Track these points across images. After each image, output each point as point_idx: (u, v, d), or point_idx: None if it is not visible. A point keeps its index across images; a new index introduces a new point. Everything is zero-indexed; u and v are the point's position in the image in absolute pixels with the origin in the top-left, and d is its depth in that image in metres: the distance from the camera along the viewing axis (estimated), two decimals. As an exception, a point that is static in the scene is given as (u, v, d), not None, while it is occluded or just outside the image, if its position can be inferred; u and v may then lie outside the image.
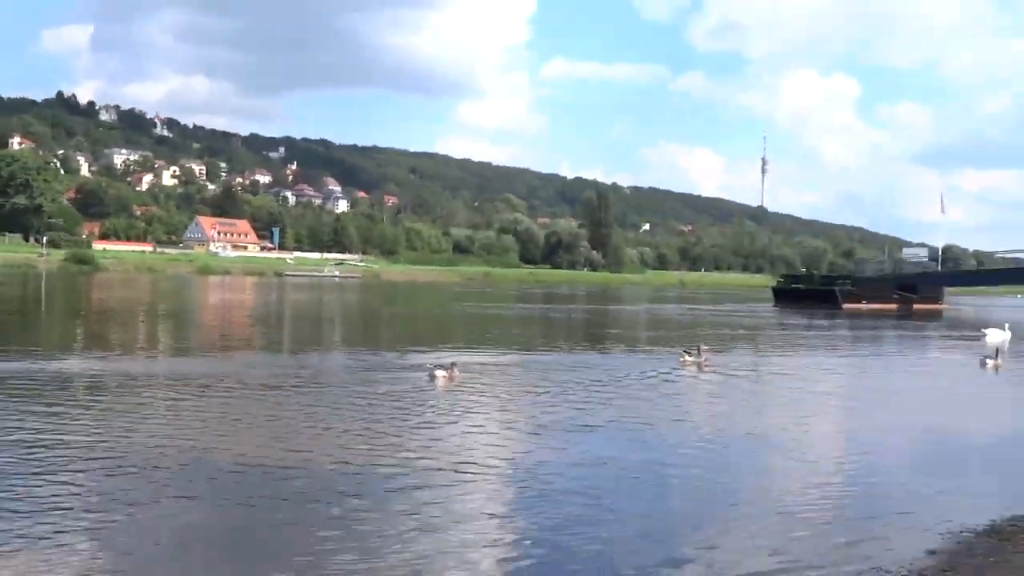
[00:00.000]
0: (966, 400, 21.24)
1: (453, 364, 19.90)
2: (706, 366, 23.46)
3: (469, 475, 11.06)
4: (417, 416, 15.19)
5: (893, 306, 70.85)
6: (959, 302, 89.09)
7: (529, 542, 8.60)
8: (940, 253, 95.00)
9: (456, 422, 14.84)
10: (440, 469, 11.27)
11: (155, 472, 10.48)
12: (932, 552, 8.34)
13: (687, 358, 23.97)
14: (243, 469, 10.98)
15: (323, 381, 19.55)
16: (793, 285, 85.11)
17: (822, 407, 19.34)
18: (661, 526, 9.30)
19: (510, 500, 10.26)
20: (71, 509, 8.88)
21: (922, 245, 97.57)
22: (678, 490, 10.95)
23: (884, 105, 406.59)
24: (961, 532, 9.00)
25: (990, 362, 26.31)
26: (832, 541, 8.84)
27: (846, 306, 68.53)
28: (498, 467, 11.82)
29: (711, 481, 11.53)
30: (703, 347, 24.97)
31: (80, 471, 10.37)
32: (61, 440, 12.02)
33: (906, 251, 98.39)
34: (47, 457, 10.97)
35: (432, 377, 19.18)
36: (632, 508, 9.92)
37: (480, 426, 14.70)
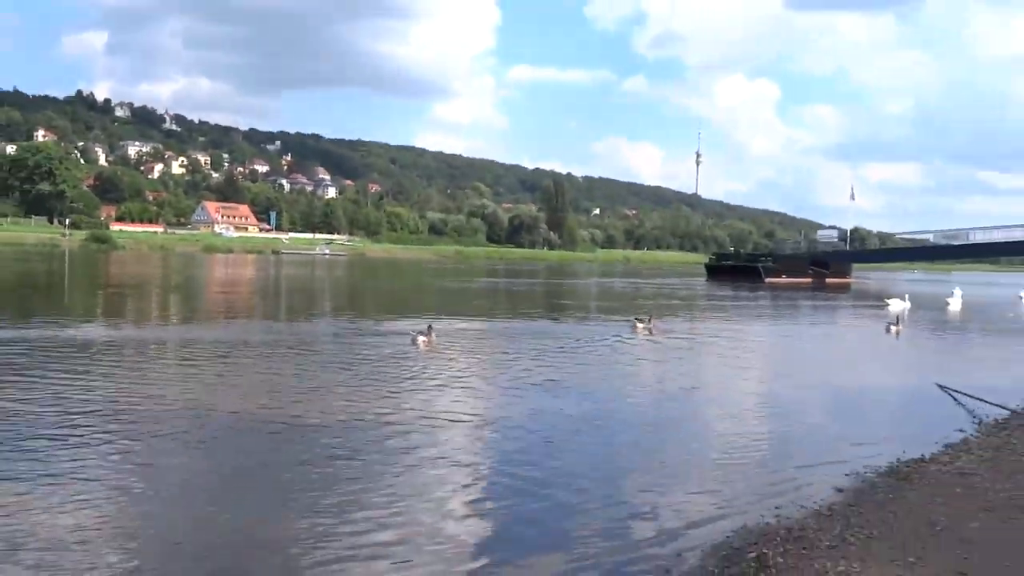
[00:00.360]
0: (872, 360, 21.54)
1: (430, 327, 19.92)
2: (655, 331, 23.73)
3: (452, 424, 11.14)
4: (404, 374, 15.21)
5: (808, 280, 71.49)
6: (865, 276, 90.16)
7: (499, 478, 8.71)
8: (849, 234, 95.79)
9: (438, 380, 14.83)
10: (425, 418, 11.33)
11: (169, 425, 10.40)
12: (840, 490, 8.50)
13: (639, 325, 24.25)
14: (252, 421, 10.95)
15: (320, 345, 19.51)
16: (723, 262, 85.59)
17: (749, 366, 19.54)
18: (613, 469, 9.38)
19: (486, 444, 10.31)
20: (95, 458, 8.83)
21: (833, 227, 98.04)
22: (630, 439, 11.06)
23: (801, 106, 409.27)
24: (865, 473, 9.16)
25: (893, 328, 26.73)
26: (757, 482, 8.98)
27: (768, 280, 68.99)
28: (477, 417, 11.88)
29: (658, 431, 11.70)
30: (652, 316, 25.44)
31: (101, 425, 10.28)
32: (84, 398, 11.91)
33: (820, 232, 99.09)
34: (71, 412, 10.86)
35: (414, 341, 19.19)
36: (589, 454, 10.02)
37: (460, 382, 14.76)
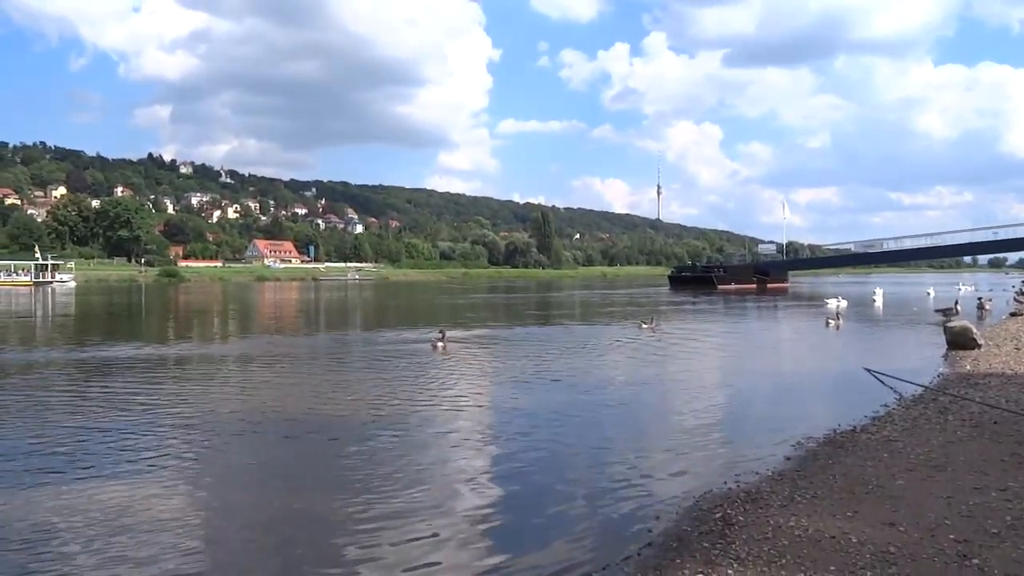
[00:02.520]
0: (815, 350, 21.38)
1: (443, 333, 19.94)
2: (655, 331, 24.43)
3: (474, 413, 11.12)
4: (426, 373, 15.24)
5: (753, 286, 71.26)
6: (799, 281, 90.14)
7: (504, 457, 8.69)
8: (784, 247, 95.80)
9: (458, 378, 14.83)
10: (446, 409, 11.33)
11: (231, 423, 10.41)
12: (788, 458, 8.48)
13: (644, 325, 25.17)
14: (304, 414, 10.97)
15: (356, 351, 19.59)
16: (682, 273, 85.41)
17: (716, 357, 19.52)
18: (601, 447, 9.30)
19: (494, 428, 10.20)
20: (169, 453, 8.83)
21: (771, 242, 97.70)
22: (618, 420, 11.02)
23: (739, 144, 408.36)
24: (808, 443, 9.14)
25: (832, 322, 26.73)
26: (720, 455, 8.97)
27: (720, 287, 68.77)
28: (505, 406, 11.89)
29: (641, 413, 11.70)
30: (655, 318, 26.93)
31: (174, 426, 10.30)
32: (160, 404, 11.93)
33: (760, 246, 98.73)
34: (151, 417, 10.87)
35: (434, 347, 19.22)
36: (584, 434, 9.95)
37: (483, 379, 14.83)
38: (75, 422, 10.55)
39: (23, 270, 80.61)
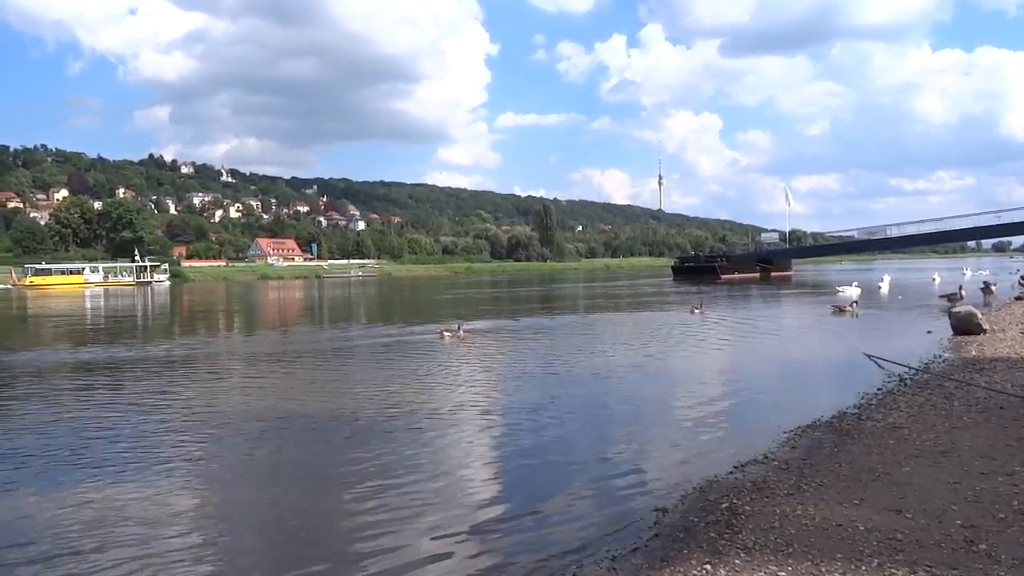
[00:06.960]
0: (825, 336, 21.17)
1: (459, 325, 20.08)
2: (704, 314, 26.16)
3: (480, 406, 11.11)
4: (436, 365, 15.40)
5: (756, 275, 71.04)
6: (802, 269, 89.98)
7: (518, 442, 8.73)
8: (787, 235, 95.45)
9: (469, 369, 14.87)
10: (453, 402, 11.31)
11: (236, 423, 10.45)
12: (794, 447, 8.47)
13: (695, 311, 27.01)
14: (307, 414, 10.98)
15: (363, 344, 19.63)
16: (686, 264, 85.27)
17: (718, 345, 19.35)
18: (606, 438, 9.34)
19: (512, 418, 10.19)
20: (176, 451, 8.87)
21: (774, 230, 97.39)
22: (626, 411, 11.04)
23: (739, 133, 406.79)
24: (813, 431, 9.14)
25: (835, 307, 26.89)
26: (723, 442, 8.98)
27: (723, 276, 68.51)
28: (510, 398, 11.83)
29: (647, 404, 11.65)
30: (703, 303, 29.03)
31: (181, 425, 10.36)
32: (167, 404, 12.00)
33: (763, 235, 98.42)
34: (158, 416, 10.93)
35: (442, 336, 19.38)
36: (593, 422, 9.98)
37: (492, 370, 14.74)
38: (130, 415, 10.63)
39: (127, 272, 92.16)
